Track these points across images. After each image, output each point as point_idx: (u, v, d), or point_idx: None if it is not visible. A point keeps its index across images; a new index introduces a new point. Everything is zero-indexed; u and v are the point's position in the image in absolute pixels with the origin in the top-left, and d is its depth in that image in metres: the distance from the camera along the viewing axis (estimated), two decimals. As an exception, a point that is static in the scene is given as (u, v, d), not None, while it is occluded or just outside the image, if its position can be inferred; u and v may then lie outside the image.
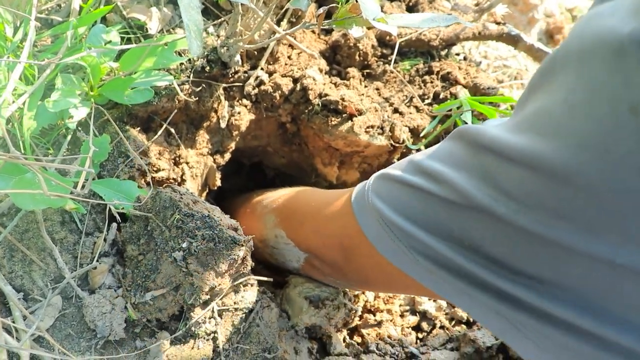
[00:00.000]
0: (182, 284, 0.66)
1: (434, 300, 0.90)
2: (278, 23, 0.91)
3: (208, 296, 0.68)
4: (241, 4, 0.75)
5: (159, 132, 0.81)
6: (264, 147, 1.02)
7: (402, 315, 0.87)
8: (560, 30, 1.51)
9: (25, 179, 0.62)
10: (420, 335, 0.85)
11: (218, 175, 0.93)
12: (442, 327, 0.86)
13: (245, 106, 0.90)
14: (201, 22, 0.61)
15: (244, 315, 0.72)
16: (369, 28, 0.84)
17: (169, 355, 0.67)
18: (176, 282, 0.66)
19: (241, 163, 1.13)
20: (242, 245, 0.67)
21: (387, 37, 0.94)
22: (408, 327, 0.85)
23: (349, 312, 0.80)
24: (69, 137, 0.74)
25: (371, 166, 0.94)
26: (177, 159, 0.84)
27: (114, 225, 0.72)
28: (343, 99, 0.85)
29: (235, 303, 0.72)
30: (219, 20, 0.86)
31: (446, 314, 0.87)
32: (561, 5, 1.61)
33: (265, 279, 0.76)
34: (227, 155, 0.93)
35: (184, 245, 0.65)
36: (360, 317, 0.84)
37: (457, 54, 1.02)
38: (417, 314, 0.87)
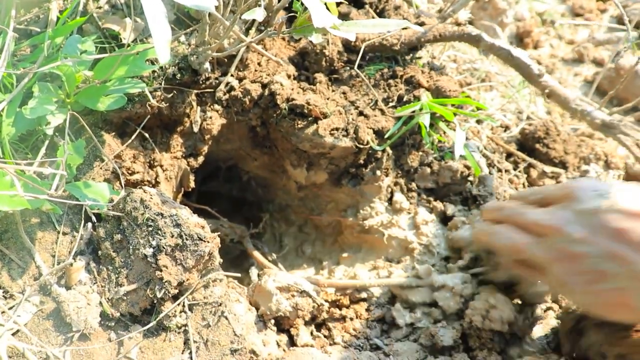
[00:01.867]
0: (152, 279, 0.70)
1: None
2: (247, 31, 0.95)
3: (177, 290, 0.72)
4: (209, 14, 0.80)
5: (133, 137, 0.85)
6: (237, 151, 1.06)
7: (367, 310, 0.91)
8: (529, 34, 1.55)
9: (2, 181, 0.66)
10: (384, 328, 0.89)
11: (192, 177, 0.96)
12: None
13: (217, 111, 0.94)
14: (168, 32, 0.65)
15: (213, 309, 0.76)
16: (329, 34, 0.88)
17: (142, 347, 0.71)
18: (147, 278, 0.70)
19: (218, 166, 1.17)
20: (208, 242, 0.71)
21: (352, 43, 0.99)
22: (373, 321, 0.89)
23: (317, 306, 0.84)
24: (46, 143, 0.78)
25: (338, 167, 0.98)
26: (152, 162, 0.88)
27: (90, 225, 0.76)
28: (308, 103, 0.89)
29: (205, 297, 0.76)
30: (190, 29, 0.90)
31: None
32: (532, 9, 1.66)
33: (233, 274, 0.81)
34: (201, 158, 0.97)
35: (154, 242, 0.70)
36: (327, 311, 0.87)
37: (419, 58, 1.06)
38: (382, 307, 0.91)
